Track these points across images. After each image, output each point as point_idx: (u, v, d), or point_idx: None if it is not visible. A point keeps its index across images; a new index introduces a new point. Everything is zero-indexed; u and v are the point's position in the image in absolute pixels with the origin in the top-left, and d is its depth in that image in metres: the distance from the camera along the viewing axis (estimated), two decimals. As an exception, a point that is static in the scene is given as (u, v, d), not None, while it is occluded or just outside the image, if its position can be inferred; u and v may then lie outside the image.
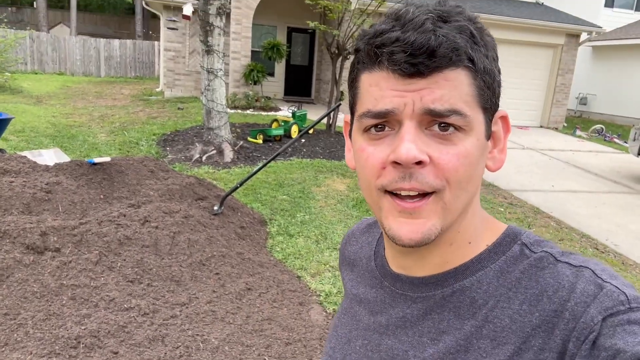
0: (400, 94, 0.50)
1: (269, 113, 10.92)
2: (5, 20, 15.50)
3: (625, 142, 10.43)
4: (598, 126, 11.82)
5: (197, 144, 6.97)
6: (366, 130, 0.53)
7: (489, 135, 0.55)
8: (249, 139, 7.73)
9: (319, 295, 3.40)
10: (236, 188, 4.14)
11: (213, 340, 2.71)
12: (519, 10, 11.76)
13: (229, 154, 6.73)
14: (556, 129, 12.01)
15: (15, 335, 2.51)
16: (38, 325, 2.60)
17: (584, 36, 12.00)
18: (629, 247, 4.55)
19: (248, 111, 10.98)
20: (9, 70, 13.73)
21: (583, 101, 15.55)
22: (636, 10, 16.19)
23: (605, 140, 11.06)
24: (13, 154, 4.33)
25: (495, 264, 0.55)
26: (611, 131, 11.96)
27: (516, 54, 11.62)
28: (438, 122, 0.50)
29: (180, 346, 2.60)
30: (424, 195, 0.50)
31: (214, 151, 6.75)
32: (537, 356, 0.48)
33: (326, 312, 3.21)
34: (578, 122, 13.49)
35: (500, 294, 0.53)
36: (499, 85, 0.54)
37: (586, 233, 4.81)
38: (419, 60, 0.48)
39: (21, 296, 2.74)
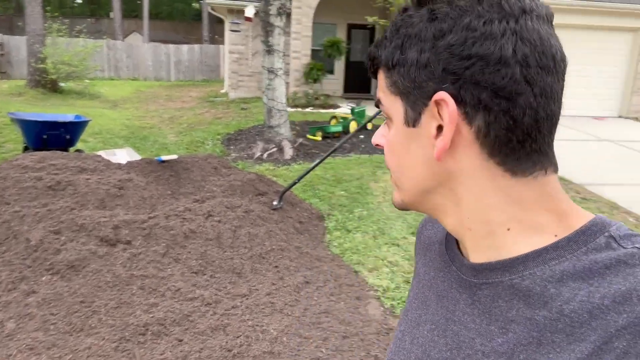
0: None
1: (328, 110, 10.99)
2: (85, 30, 16.72)
3: None
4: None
5: (258, 142, 7.15)
6: None
7: (414, 121, 0.55)
8: (308, 136, 7.81)
9: (377, 290, 3.38)
10: (294, 183, 4.21)
11: (272, 331, 2.78)
12: (594, -7, 10.99)
13: (288, 151, 6.85)
14: (637, 118, 11.12)
15: (89, 321, 2.71)
16: (110, 312, 2.78)
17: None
18: None
19: (308, 109, 11.11)
20: (88, 77, 14.80)
21: (669, 88, 14.25)
22: None
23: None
24: (90, 154, 4.67)
25: (574, 254, 0.51)
26: (703, 119, 10.88)
27: (591, 39, 10.87)
28: None
29: (240, 336, 2.69)
30: None
31: (275, 149, 6.89)
32: (619, 359, 0.45)
33: (384, 307, 3.18)
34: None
35: (578, 286, 0.49)
36: (424, 67, 0.52)
37: (671, 230, 4.42)
38: (369, 69, 0.60)
39: (95, 285, 2.95)
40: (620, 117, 11.33)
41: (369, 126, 8.78)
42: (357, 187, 5.43)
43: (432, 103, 0.52)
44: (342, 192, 5.27)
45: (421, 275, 0.70)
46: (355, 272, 3.63)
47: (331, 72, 13.39)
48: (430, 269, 0.68)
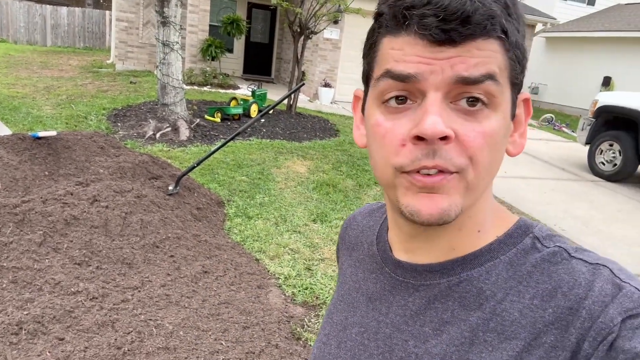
0: (427, 60, 0.45)
1: (227, 91, 10.65)
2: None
3: (573, 132, 10.89)
4: (548, 115, 12.26)
5: (150, 120, 6.68)
6: (385, 101, 0.49)
7: (514, 115, 0.51)
8: (207, 117, 7.49)
9: (278, 278, 3.34)
10: (193, 167, 3.99)
11: (167, 325, 2.61)
12: (479, -2, 11.93)
13: (184, 132, 6.50)
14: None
15: (-53, 322, 2.32)
16: (-26, 311, 2.40)
17: (538, 27, 12.34)
18: (575, 232, 4.75)
19: (205, 88, 10.65)
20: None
21: (535, 91, 16.08)
22: (588, 4, 16.81)
23: (554, 129, 11.50)
24: (-55, 125, 3.98)
25: (505, 255, 0.52)
26: (560, 120, 12.45)
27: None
28: (467, 95, 0.46)
29: (131, 331, 2.48)
30: (445, 172, 0.47)
31: (169, 128, 6.49)
32: (548, 354, 0.45)
33: (285, 295, 3.16)
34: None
35: (509, 286, 0.50)
36: (526, 62, 0.50)
37: (536, 218, 4.98)
38: (451, 26, 0.44)
39: (-46, 280, 2.53)
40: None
41: (271, 112, 8.68)
42: (258, 172, 5.33)
43: (520, 100, 0.52)
44: (243, 178, 5.14)
45: (347, 276, 0.67)
46: (257, 260, 3.56)
47: (230, 51, 12.96)
48: (358, 270, 0.65)
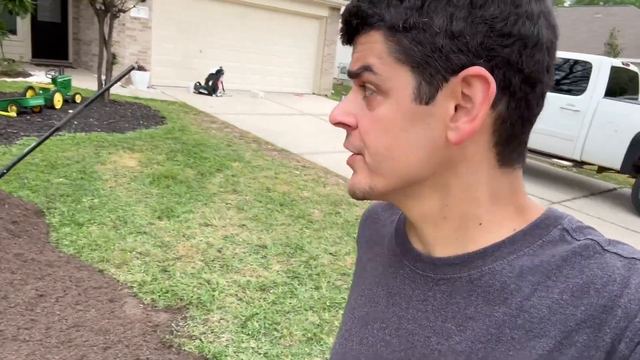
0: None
1: (16, 79, 9.07)
2: None
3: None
4: (358, 92, 13.44)
5: None
6: None
7: (428, 98, 0.47)
8: (-2, 111, 6.27)
9: (131, 287, 3.03)
10: (3, 174, 3.31)
11: (6, 368, 2.16)
12: (287, -19, 12.29)
13: (-28, 132, 5.33)
14: (326, 95, 13.23)
15: None
16: None
17: (343, 9, 13.30)
18: (401, 195, 5.37)
19: (-14, 77, 8.88)
20: None
21: (343, 70, 17.44)
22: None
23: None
24: None
25: (530, 248, 0.50)
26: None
27: (286, 22, 12.19)
28: (363, 85, 0.50)
29: (-42, 388, 1.99)
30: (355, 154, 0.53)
31: (-51, 129, 5.25)
32: (581, 353, 0.44)
33: (143, 303, 2.89)
34: (342, 89, 15.11)
35: (537, 280, 0.48)
36: (455, 37, 0.45)
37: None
38: (345, 29, 0.51)
39: None
40: (314, 93, 13.23)
41: (78, 98, 7.67)
42: (79, 171, 4.69)
43: (457, 79, 0.46)
44: (62, 180, 4.46)
45: (367, 271, 0.65)
46: (100, 271, 3.16)
47: (13, 32, 11.00)
48: (378, 265, 0.64)
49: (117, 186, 4.51)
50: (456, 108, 0.47)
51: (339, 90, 14.30)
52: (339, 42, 13.09)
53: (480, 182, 0.51)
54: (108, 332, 2.57)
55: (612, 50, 19.29)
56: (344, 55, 17.30)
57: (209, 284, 3.15)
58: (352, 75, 0.50)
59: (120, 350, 2.46)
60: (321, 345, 2.69)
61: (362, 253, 0.70)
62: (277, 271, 3.41)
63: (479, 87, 0.46)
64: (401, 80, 0.47)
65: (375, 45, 0.48)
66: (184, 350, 2.54)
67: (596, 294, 0.45)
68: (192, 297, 2.98)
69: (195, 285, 3.11)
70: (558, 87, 6.78)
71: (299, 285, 3.26)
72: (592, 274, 0.46)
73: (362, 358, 0.59)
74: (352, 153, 0.53)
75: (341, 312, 3.03)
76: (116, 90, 9.04)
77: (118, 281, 3.07)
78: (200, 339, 2.63)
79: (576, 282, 0.46)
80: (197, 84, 10.56)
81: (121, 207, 4.06)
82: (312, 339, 2.73)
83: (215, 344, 2.61)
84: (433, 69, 0.46)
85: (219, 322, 2.80)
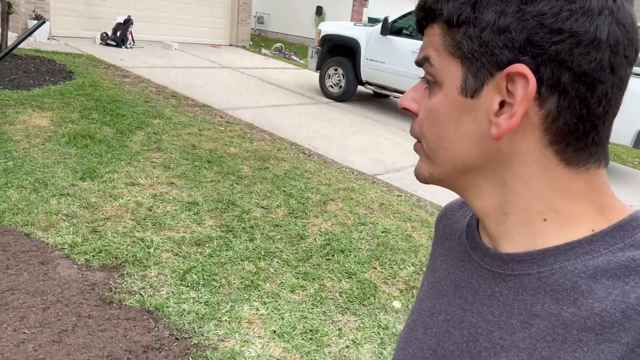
0: None
1: None
2: None
3: (301, 59, 12.16)
4: (279, 45, 13.28)
5: None
6: None
7: (474, 91, 0.49)
8: None
9: (62, 249, 3.01)
10: None
11: (-59, 336, 2.13)
12: None
13: None
14: (244, 47, 12.91)
15: None
16: None
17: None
18: (325, 148, 5.59)
19: None
20: None
21: (260, 20, 16.99)
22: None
23: (285, 57, 12.59)
24: None
25: (610, 250, 0.47)
26: (288, 49, 13.65)
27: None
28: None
29: None
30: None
31: None
32: None
33: (77, 264, 2.90)
34: (260, 40, 14.79)
35: (612, 284, 0.45)
36: (501, 33, 0.46)
37: (294, 142, 5.63)
38: (417, 21, 0.55)
39: None
40: (231, 45, 12.85)
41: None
42: (-15, 132, 4.36)
43: (502, 75, 0.47)
44: (-35, 142, 4.14)
45: (438, 264, 0.67)
46: (27, 234, 3.09)
47: None
48: (448, 259, 0.65)
49: (30, 147, 4.27)
50: (503, 104, 0.48)
51: (257, 42, 14.01)
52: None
53: (538, 178, 0.50)
54: (45, 293, 2.58)
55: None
56: (261, 4, 16.82)
57: (142, 241, 3.20)
58: (418, 64, 0.54)
59: (61, 309, 2.50)
60: (259, 290, 2.90)
61: (435, 247, 0.71)
62: (211, 226, 3.52)
63: (521, 84, 0.46)
64: (452, 73, 0.50)
65: (435, 38, 0.51)
66: (125, 305, 2.63)
67: None
68: (127, 255, 3.03)
69: (128, 244, 3.15)
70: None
71: (233, 238, 3.40)
72: None
73: (425, 347, 0.60)
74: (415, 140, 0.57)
75: (276, 260, 3.24)
76: (12, 42, 8.20)
77: (47, 244, 3.03)
78: (140, 294, 2.72)
79: None
80: (104, 34, 9.85)
81: (39, 169, 3.89)
82: (249, 286, 2.92)
83: (155, 297, 2.72)
84: (479, 63, 0.48)
85: (157, 277, 2.89)
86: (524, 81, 0.45)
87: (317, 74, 8.56)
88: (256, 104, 6.97)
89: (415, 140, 0.57)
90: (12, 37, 8.46)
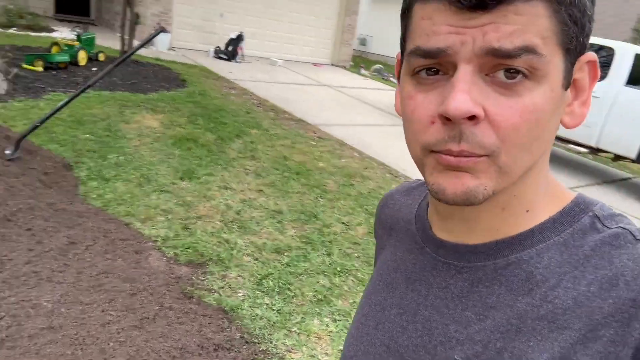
0: (457, 30, 0.41)
1: (40, 34, 9.16)
2: None
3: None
4: (378, 66, 13.37)
5: (-49, 69, 5.48)
6: (415, 73, 0.45)
7: (569, 83, 0.45)
8: (25, 65, 6.42)
9: (155, 241, 3.22)
10: (35, 127, 3.49)
11: (44, 303, 2.37)
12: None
13: (1, 85, 5.50)
14: (345, 67, 13.16)
15: None
16: None
17: (366, -19, 13.10)
18: (413, 170, 5.48)
19: (11, 30, 9.00)
20: None
21: (363, 42, 17.26)
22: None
23: (383, 78, 12.64)
24: None
25: (560, 236, 0.48)
26: (387, 71, 13.69)
27: (310, -9, 12.07)
28: (504, 67, 0.41)
29: (4, 316, 2.20)
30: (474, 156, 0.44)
31: (-20, 80, 5.42)
32: (606, 348, 0.41)
33: (166, 257, 3.08)
34: (360, 61, 15.00)
35: (564, 271, 0.46)
36: (591, 21, 0.44)
37: (382, 161, 5.58)
38: None
39: None
40: (332, 64, 13.18)
41: (102, 57, 7.78)
42: (105, 129, 4.86)
43: (581, 63, 0.46)
44: (88, 136, 4.64)
45: (387, 256, 0.64)
46: (126, 224, 3.36)
47: (38, -15, 11.03)
48: (397, 250, 0.62)
49: (141, 145, 4.67)
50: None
51: (357, 62, 14.22)
52: (360, 12, 12.93)
53: (545, 168, 0.49)
54: (134, 281, 2.77)
55: (639, 36, 18.80)
56: (364, 26, 17.10)
57: (227, 243, 3.33)
58: (505, 55, 0.40)
59: (146, 297, 2.66)
60: (331, 306, 2.87)
61: (380, 239, 0.69)
62: (292, 236, 3.58)
63: (587, 71, 0.47)
64: (556, 64, 0.43)
65: (539, 20, 0.40)
66: (204, 301, 2.74)
67: (626, 287, 0.42)
68: (211, 254, 3.17)
69: (214, 244, 3.29)
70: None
71: (311, 250, 3.43)
72: (622, 265, 0.43)
73: (378, 343, 0.58)
74: (463, 153, 0.43)
75: (351, 278, 3.20)
76: (138, 50, 9.11)
77: (143, 235, 3.26)
78: (219, 293, 2.82)
79: (605, 274, 0.44)
80: (217, 48, 10.59)
81: (145, 166, 4.23)
82: (322, 300, 2.91)
83: (232, 298, 2.80)
84: (577, 51, 0.45)
85: (236, 278, 2.98)
86: (591, 68, 0.47)
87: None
88: (349, 122, 7.03)
89: (459, 156, 0.43)
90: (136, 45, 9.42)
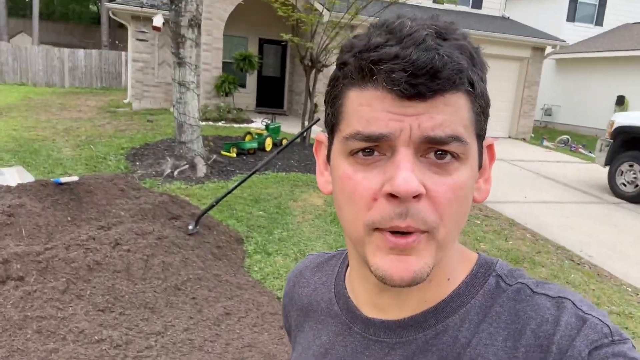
0: (397, 117, 0.44)
1: (242, 125, 10.79)
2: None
3: (591, 153, 10.76)
4: (564, 137, 12.15)
5: (168, 158, 6.77)
6: (352, 154, 0.47)
7: (481, 164, 0.51)
8: (223, 152, 7.58)
9: (301, 317, 3.29)
10: (212, 206, 4.01)
11: (191, 372, 2.57)
12: (487, 24, 12.05)
13: (202, 169, 6.56)
14: (524, 139, 12.30)
15: (-27, 376, 2.32)
16: (0, 363, 2.40)
17: (548, 49, 12.38)
18: (602, 258, 4.63)
19: (220, 123, 10.82)
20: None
21: (548, 112, 16.01)
22: (596, 24, 16.86)
23: (571, 150, 11.38)
24: (-29, 174, 4.08)
25: (475, 299, 0.52)
26: (576, 141, 12.32)
27: (491, 66, 11.86)
28: (435, 149, 0.45)
29: (156, 380, 2.45)
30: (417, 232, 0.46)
31: (187, 166, 6.57)
32: None
33: (308, 335, 3.11)
34: (544, 132, 13.86)
35: (482, 329, 0.50)
36: (489, 110, 0.51)
37: (561, 245, 4.87)
38: (420, 81, 0.43)
39: (-19, 332, 2.54)
40: (510, 137, 12.45)
41: (284, 142, 8.75)
42: (275, 206, 5.34)
43: (484, 145, 0.52)
44: (261, 212, 5.14)
45: (309, 340, 0.61)
46: (278, 298, 3.52)
47: (243, 85, 13.20)
48: (321, 333, 0.60)
49: (303, 222, 4.98)
50: None
51: (540, 134, 13.15)
52: (541, 83, 12.16)
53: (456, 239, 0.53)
54: (274, 357, 2.84)
55: None
56: (550, 96, 15.92)
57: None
58: (439, 142, 0.44)
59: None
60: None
61: (295, 321, 0.66)
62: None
63: (487, 152, 0.53)
64: (474, 148, 0.49)
65: (461, 112, 0.45)
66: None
67: (533, 335, 0.47)
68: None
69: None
70: None
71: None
72: (527, 316, 0.48)
73: None
74: (408, 233, 0.45)
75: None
76: (315, 135, 10.02)
77: (290, 311, 3.37)
78: None
79: (515, 327, 0.48)
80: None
81: (303, 242, 4.47)
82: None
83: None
84: (484, 135, 0.51)
85: None
86: (489, 150, 0.54)
87: (606, 170, 7.35)
88: (524, 199, 6.40)
89: (407, 237, 0.45)
90: (316, 130, 10.36)
